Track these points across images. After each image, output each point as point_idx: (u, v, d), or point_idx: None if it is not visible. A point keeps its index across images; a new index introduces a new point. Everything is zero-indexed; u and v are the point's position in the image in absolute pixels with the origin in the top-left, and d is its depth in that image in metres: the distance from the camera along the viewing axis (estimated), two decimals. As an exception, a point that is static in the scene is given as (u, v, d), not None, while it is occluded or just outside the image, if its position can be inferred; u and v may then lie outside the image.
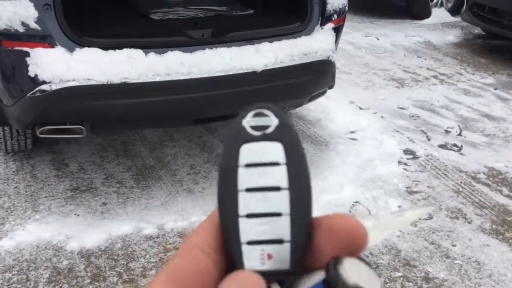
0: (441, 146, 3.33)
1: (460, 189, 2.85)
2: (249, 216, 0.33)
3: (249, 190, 0.34)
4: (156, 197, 2.68)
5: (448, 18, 6.46)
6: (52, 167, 2.90)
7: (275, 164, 0.34)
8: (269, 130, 0.34)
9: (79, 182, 2.77)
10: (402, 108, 3.91)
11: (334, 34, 2.90)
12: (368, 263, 0.33)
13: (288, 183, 0.34)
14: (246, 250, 0.33)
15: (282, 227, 0.33)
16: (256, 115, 0.34)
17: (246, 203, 0.33)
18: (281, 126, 0.34)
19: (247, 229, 0.33)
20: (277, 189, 0.33)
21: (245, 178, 0.34)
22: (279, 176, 0.33)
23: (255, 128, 0.34)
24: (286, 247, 0.33)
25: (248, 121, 0.34)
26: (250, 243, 0.33)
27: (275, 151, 0.34)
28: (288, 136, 0.34)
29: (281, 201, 0.33)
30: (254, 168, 0.34)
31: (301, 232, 0.33)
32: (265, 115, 0.34)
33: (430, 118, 3.75)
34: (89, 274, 2.14)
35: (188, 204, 2.63)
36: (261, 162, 0.34)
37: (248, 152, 0.34)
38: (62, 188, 2.71)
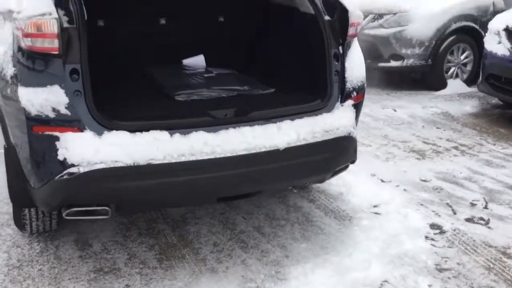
0: (467, 220, 3.27)
1: (491, 265, 2.76)
2: None
3: None
4: (179, 277, 2.64)
5: (464, 88, 6.52)
6: (76, 247, 2.90)
7: None
8: None
9: (102, 263, 2.75)
10: (424, 181, 3.88)
11: (354, 110, 2.95)
12: None
13: None
14: None
15: None
16: None
17: None
18: None
19: None
20: None
21: None
22: None
23: None
24: None
25: None
26: None
27: None
28: None
29: None
30: None
31: None
32: None
33: (454, 191, 3.70)
34: None
35: (212, 285, 2.58)
36: None
37: None
38: (85, 269, 2.69)
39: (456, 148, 4.60)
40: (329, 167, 2.84)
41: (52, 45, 2.25)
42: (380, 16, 6.56)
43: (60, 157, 2.27)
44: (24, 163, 2.46)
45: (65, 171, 2.27)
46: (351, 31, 2.92)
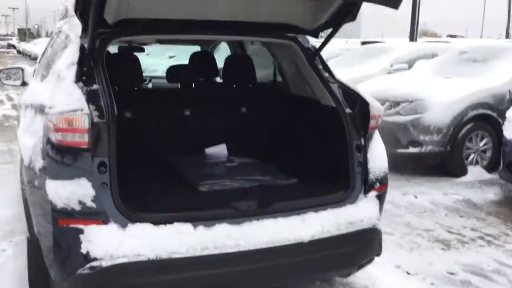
0: (500, 318, 3.11)
1: None
2: None
3: None
4: None
5: (485, 175, 6.45)
6: None
7: None
8: None
9: None
10: (452, 273, 3.74)
11: (377, 201, 2.92)
12: None
13: None
14: None
15: None
16: None
17: None
18: None
19: None
20: None
21: None
22: None
23: None
24: None
25: None
26: None
27: None
28: None
29: None
30: None
31: None
32: None
33: (483, 285, 3.56)
34: None
35: None
36: None
37: None
38: None
39: (481, 238, 4.48)
40: (354, 261, 2.78)
41: (82, 139, 2.30)
42: (397, 103, 6.67)
43: (83, 250, 2.25)
44: (46, 253, 2.45)
45: (87, 265, 2.24)
46: (372, 123, 2.97)
